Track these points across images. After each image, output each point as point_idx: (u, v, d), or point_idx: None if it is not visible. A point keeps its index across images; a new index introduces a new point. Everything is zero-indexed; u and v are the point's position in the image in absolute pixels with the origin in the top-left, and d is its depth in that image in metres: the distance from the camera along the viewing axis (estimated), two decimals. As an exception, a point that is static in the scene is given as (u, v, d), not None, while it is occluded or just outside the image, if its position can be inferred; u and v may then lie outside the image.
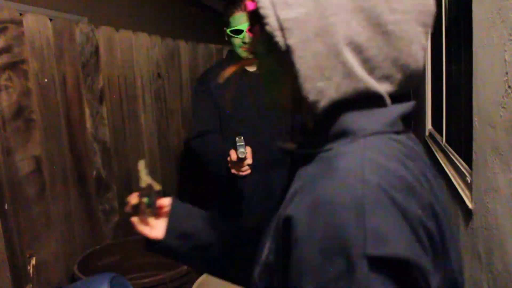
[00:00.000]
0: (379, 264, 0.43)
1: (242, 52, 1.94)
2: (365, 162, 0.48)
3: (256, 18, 0.57)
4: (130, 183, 2.38)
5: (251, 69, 2.05)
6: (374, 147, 0.51)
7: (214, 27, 4.97)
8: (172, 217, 0.83)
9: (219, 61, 2.32)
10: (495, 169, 0.94)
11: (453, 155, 1.67)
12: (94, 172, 2.14)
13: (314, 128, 0.60)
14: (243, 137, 1.62)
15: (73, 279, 1.85)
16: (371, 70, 0.52)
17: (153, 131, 2.58)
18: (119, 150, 2.31)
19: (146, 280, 1.75)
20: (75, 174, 2.02)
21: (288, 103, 0.61)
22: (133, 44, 2.41)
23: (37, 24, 1.81)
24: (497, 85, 0.90)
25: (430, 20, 0.54)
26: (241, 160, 1.60)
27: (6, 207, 1.64)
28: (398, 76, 0.54)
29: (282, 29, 0.52)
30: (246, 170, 1.64)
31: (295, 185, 0.55)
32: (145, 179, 0.84)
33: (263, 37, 0.56)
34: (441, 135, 2.05)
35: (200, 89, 2.05)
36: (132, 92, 2.41)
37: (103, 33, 2.19)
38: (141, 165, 0.86)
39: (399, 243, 0.44)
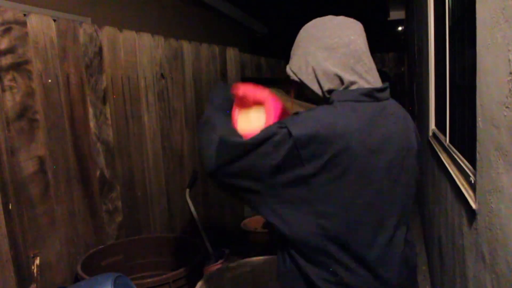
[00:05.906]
0: None
1: None
2: None
3: None
4: (133, 183, 2.39)
5: None
6: None
7: (217, 27, 4.97)
8: None
9: None
10: (499, 169, 0.93)
11: (457, 155, 1.66)
12: (98, 172, 2.14)
13: None
14: None
15: (76, 278, 1.86)
16: None
17: (156, 131, 2.58)
18: (123, 150, 2.32)
19: (149, 280, 1.75)
20: (78, 174, 2.02)
21: None
22: (136, 45, 2.41)
23: (40, 25, 1.82)
24: (501, 85, 0.90)
25: None
26: None
27: (10, 207, 1.65)
28: None
29: None
30: None
31: None
32: None
33: None
34: (445, 135, 2.04)
35: None
36: (136, 92, 2.41)
37: (106, 34, 2.20)
38: None
39: None
